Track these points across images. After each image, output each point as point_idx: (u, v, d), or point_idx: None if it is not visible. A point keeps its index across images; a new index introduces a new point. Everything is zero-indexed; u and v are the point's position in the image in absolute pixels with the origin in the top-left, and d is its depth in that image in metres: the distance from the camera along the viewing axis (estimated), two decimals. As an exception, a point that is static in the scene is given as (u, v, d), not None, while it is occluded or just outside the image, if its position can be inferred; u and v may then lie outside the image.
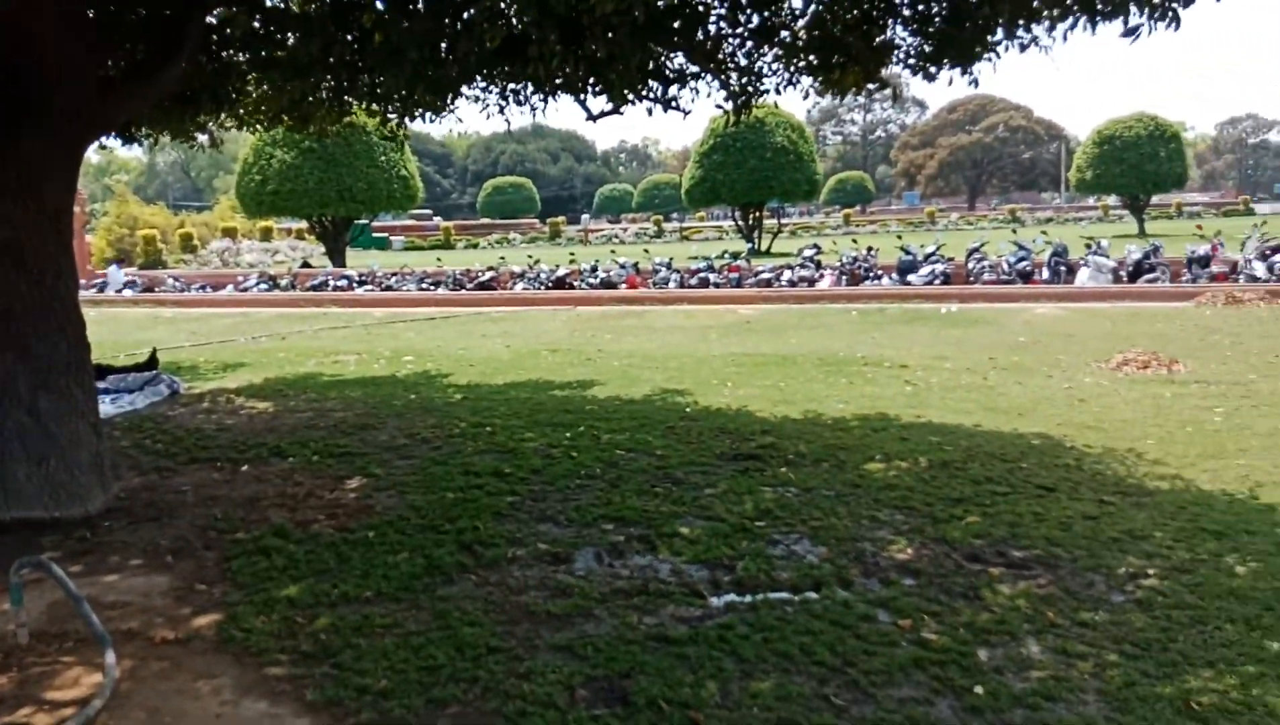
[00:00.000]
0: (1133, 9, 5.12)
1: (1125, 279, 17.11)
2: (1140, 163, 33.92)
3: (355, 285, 22.96)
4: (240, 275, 26.62)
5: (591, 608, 4.03)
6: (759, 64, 7.55)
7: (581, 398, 8.60)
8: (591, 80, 7.59)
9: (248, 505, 5.60)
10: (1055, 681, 3.32)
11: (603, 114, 7.78)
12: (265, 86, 7.95)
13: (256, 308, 19.61)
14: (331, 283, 23.28)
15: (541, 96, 7.96)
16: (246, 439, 7.25)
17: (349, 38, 6.65)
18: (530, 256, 25.40)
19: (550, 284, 21.35)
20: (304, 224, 36.35)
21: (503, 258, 26.32)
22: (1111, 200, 46.88)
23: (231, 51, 7.40)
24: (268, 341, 13.91)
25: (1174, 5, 5.09)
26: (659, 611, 3.98)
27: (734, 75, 7.61)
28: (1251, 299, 13.48)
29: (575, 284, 21.25)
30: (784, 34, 7.24)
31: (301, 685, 3.44)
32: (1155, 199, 47.47)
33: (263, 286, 24.01)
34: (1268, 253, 17.25)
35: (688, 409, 7.96)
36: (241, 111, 8.38)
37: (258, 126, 8.91)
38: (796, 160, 32.57)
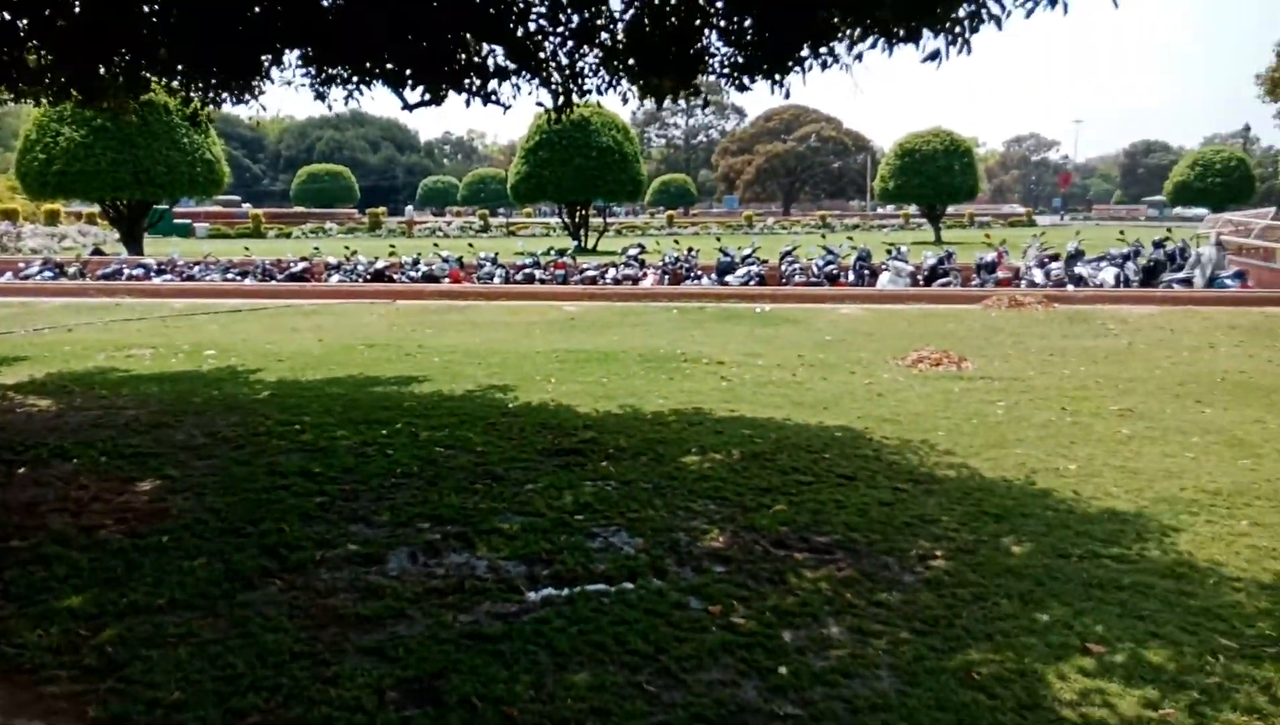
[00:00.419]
0: (926, 34, 5.50)
1: (922, 282, 18.33)
2: (937, 175, 36.45)
3: (153, 274, 21.41)
4: (21, 262, 24.27)
5: (404, 608, 3.93)
6: (580, 65, 7.59)
7: (399, 394, 8.38)
8: (409, 70, 7.41)
9: (24, 511, 5.13)
10: (852, 659, 3.52)
11: (421, 104, 7.61)
12: (47, 55, 7.29)
13: (40, 297, 17.95)
14: (126, 271, 21.61)
15: (357, 84, 7.70)
16: (24, 439, 6.63)
17: (142, 7, 6.20)
18: (347, 247, 24.49)
19: (369, 276, 20.67)
20: (96, 208, 33.55)
21: (317, 248, 25.23)
22: (912, 209, 50.10)
23: (6, 14, 6.74)
24: (51, 334, 12.76)
25: (964, 33, 5.51)
26: (474, 609, 3.93)
27: (555, 74, 7.62)
28: (1031, 302, 14.74)
29: (395, 277, 20.67)
30: (604, 37, 7.32)
31: (83, 703, 3.18)
32: (951, 209, 51.12)
33: (47, 274, 21.99)
34: (1045, 261, 18.93)
35: (510, 405, 7.91)
36: (21, 84, 7.64)
37: (43, 101, 8.16)
38: (622, 161, 32.95)
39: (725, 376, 9.32)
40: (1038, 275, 18.03)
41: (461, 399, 8.18)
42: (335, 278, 20.89)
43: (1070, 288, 17.06)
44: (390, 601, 3.99)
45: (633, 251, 22.54)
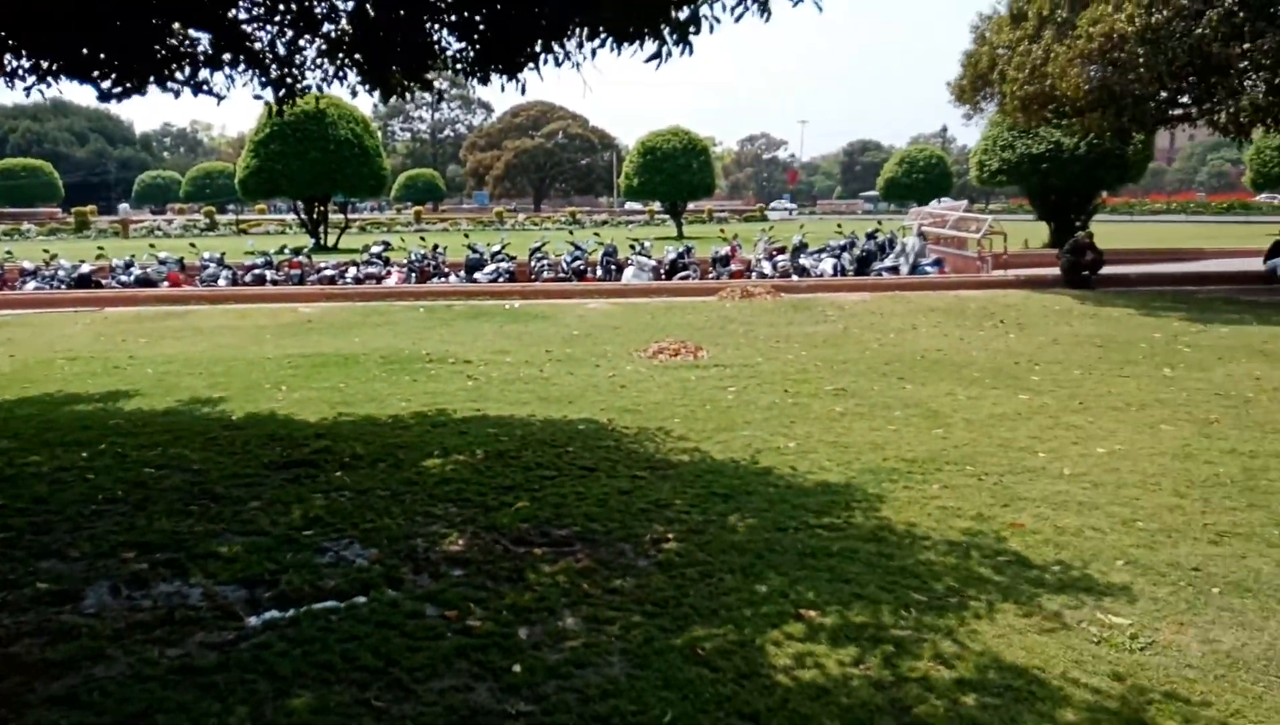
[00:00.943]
0: (648, 37, 5.68)
1: (664, 276, 19.02)
2: (677, 173, 37.93)
3: None
4: None
5: (103, 648, 3.57)
6: (300, 56, 7.21)
7: (105, 412, 7.60)
8: (103, 57, 6.73)
9: None
10: (586, 649, 3.58)
11: (118, 94, 6.93)
12: None
13: None
14: None
15: (42, 74, 6.89)
16: None
17: None
18: (47, 251, 21.91)
19: (72, 282, 18.61)
20: None
21: (9, 252, 22.41)
22: (657, 205, 51.90)
23: None
24: None
25: (683, 37, 5.74)
26: (185, 641, 3.63)
27: (273, 65, 7.19)
28: (761, 293, 15.69)
29: (105, 282, 18.75)
30: (327, 27, 6.99)
31: None
32: (692, 205, 53.38)
33: None
34: (773, 253, 20.21)
35: (233, 417, 7.39)
36: None
37: None
38: (362, 154, 31.72)
39: (472, 375, 9.21)
40: (766, 267, 19.21)
41: (177, 413, 7.55)
42: (31, 284, 18.64)
43: (795, 278, 18.32)
44: (86, 642, 3.60)
45: (376, 249, 21.77)
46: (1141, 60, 12.39)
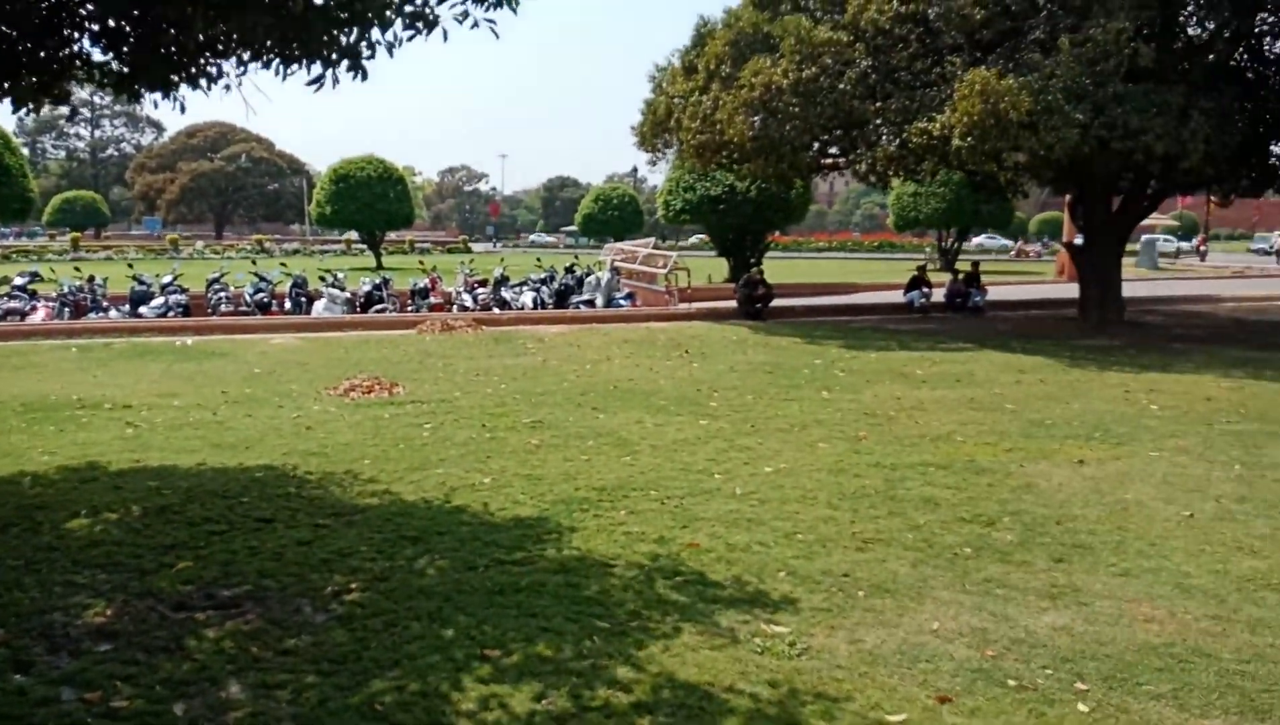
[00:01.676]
0: (314, 60, 5.46)
1: (359, 309, 18.35)
2: (373, 201, 36.84)
3: None
4: None
5: None
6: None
7: None
8: None
9: None
10: (252, 718, 3.31)
11: None
12: None
13: None
14: None
15: None
16: None
17: None
18: None
19: None
20: None
21: None
22: (354, 234, 50.04)
23: None
24: None
25: (361, 60, 5.57)
26: None
27: None
28: (461, 326, 15.57)
29: None
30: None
31: None
32: (393, 235, 52.04)
33: None
34: (474, 286, 20.17)
35: None
36: None
37: None
38: (4, 174, 27.85)
39: (132, 422, 8.31)
40: (467, 300, 19.13)
41: None
42: None
43: (496, 311, 18.40)
44: None
45: (19, 281, 19.15)
46: (796, 111, 13.79)
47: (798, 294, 22.16)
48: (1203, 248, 50.68)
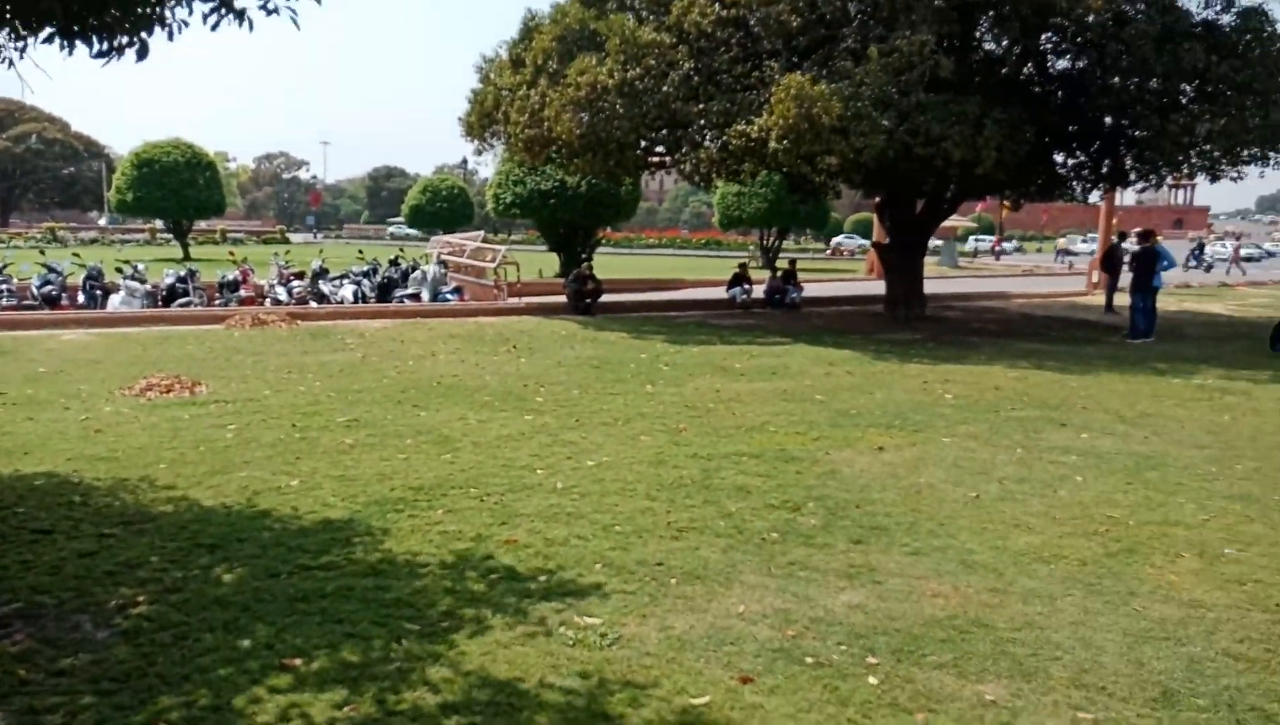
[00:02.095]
0: (101, 35, 5.06)
1: (161, 303, 17.18)
2: (180, 188, 34.60)
3: None
4: None
5: None
6: None
7: None
8: None
9: None
10: (16, 748, 3.05)
11: None
12: None
13: None
14: None
15: None
16: None
17: None
18: None
19: None
20: None
21: None
22: (159, 223, 46.85)
23: None
24: None
25: (140, 34, 5.19)
26: None
27: None
28: (274, 321, 14.85)
29: None
30: None
31: None
32: (203, 224, 49.03)
33: None
34: (289, 278, 19.28)
35: None
36: None
37: None
38: None
39: (-114, 428, 7.47)
40: (282, 293, 18.27)
41: None
42: None
43: (314, 305, 17.66)
44: None
45: None
46: (621, 110, 13.94)
47: (627, 289, 22.43)
48: (997, 248, 54.86)
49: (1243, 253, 44.68)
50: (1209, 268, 39.23)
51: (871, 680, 3.70)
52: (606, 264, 30.10)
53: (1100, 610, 4.42)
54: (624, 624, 4.16)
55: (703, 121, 14.28)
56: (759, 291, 20.37)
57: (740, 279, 20.17)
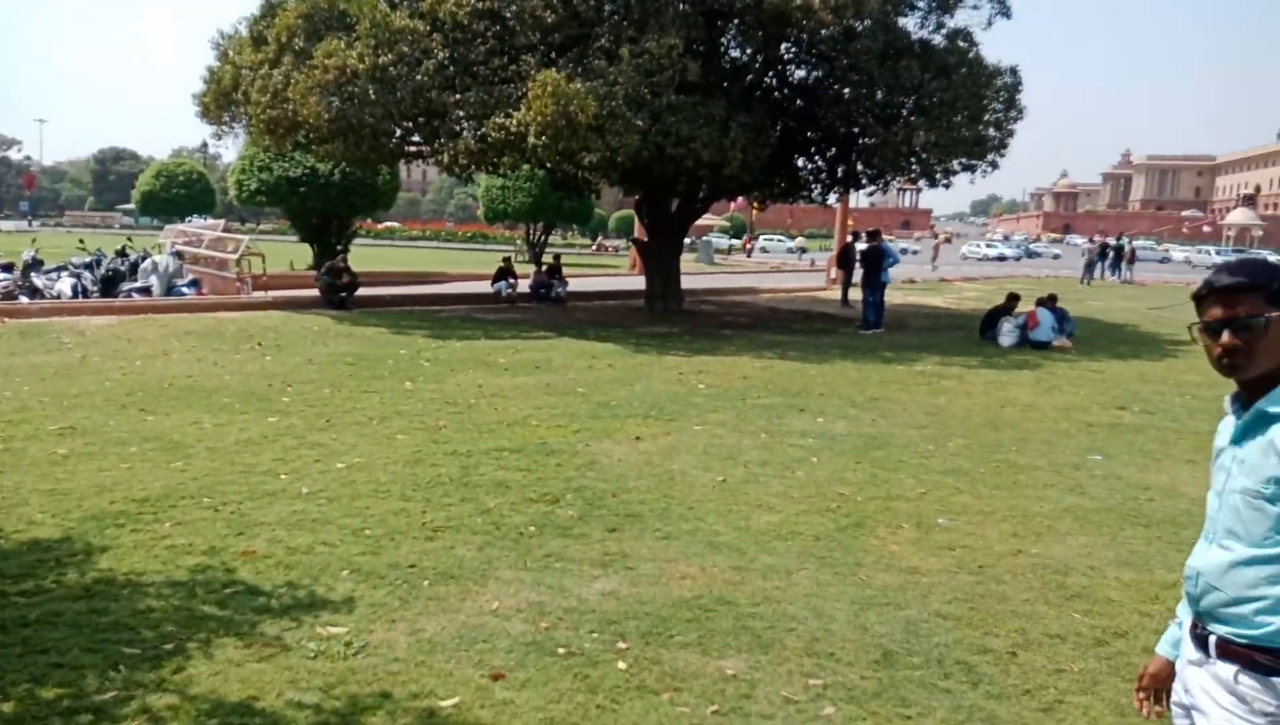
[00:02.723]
0: None
1: None
2: None
3: None
4: None
5: None
6: None
7: None
8: None
9: None
10: None
11: None
12: None
13: None
14: None
15: None
16: None
17: None
18: None
19: None
20: None
21: None
22: None
23: None
24: None
25: None
26: None
27: None
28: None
29: None
30: None
31: None
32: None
33: None
34: (-7, 271, 17.11)
35: None
36: None
37: None
38: None
39: None
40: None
41: None
42: None
43: (25, 300, 15.79)
44: None
45: None
46: (374, 96, 13.44)
47: (387, 282, 21.72)
48: (749, 246, 57.99)
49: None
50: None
51: (621, 665, 3.78)
52: (365, 256, 28.98)
53: (831, 581, 4.77)
54: (371, 631, 4.01)
55: (460, 112, 14.04)
56: (524, 286, 20.35)
57: (505, 273, 20.07)
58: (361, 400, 9.00)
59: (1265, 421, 1.85)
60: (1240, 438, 1.91)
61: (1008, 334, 14.86)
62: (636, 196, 19.70)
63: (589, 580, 4.68)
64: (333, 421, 8.01)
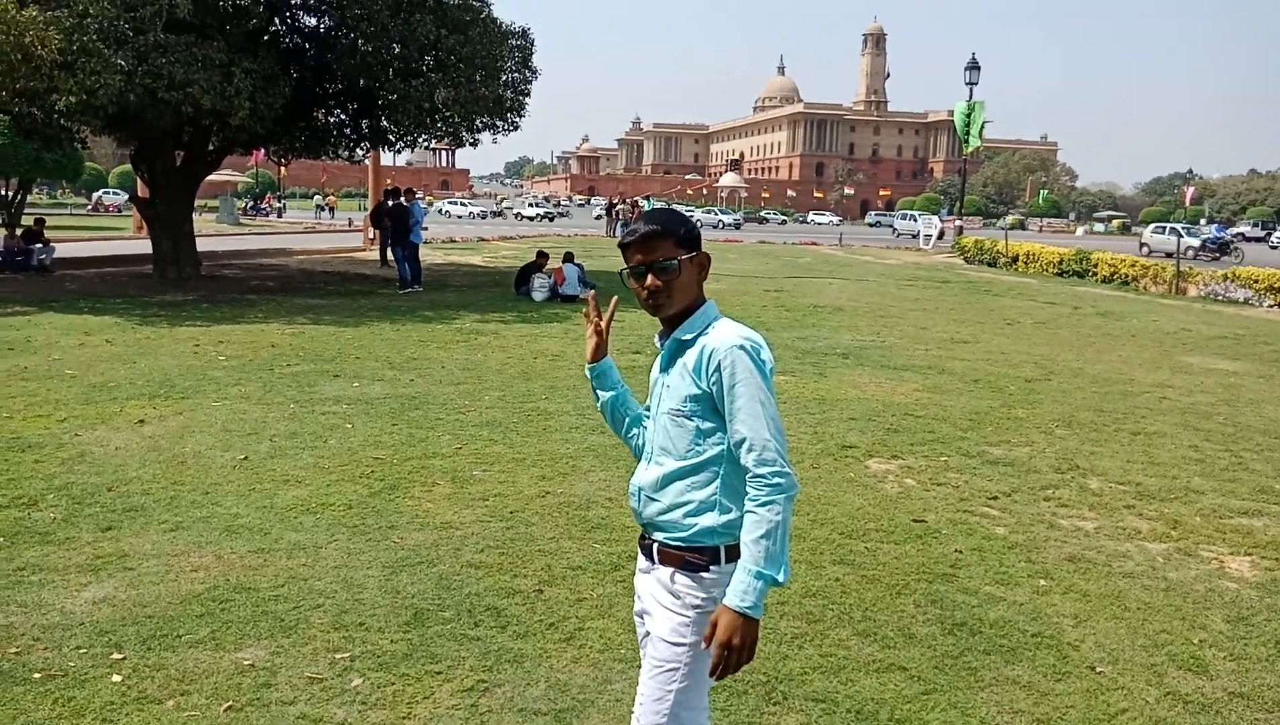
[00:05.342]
0: None
1: None
2: None
3: None
4: None
5: None
6: None
7: None
8: None
9: None
10: None
11: None
12: None
13: None
14: None
15: None
16: None
17: None
18: None
19: None
20: None
21: None
22: None
23: None
24: None
25: None
26: None
27: None
28: None
29: None
30: None
31: None
32: None
33: None
34: None
35: None
36: None
37: None
38: None
39: None
40: None
41: None
42: None
43: None
44: None
45: None
46: None
47: None
48: (270, 205, 54.27)
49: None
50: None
51: (116, 678, 3.30)
52: None
53: (362, 549, 4.61)
54: None
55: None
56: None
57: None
58: None
59: (680, 348, 2.11)
60: (666, 366, 2.16)
61: (539, 289, 15.64)
62: (133, 148, 17.36)
63: (76, 590, 4.03)
64: None
